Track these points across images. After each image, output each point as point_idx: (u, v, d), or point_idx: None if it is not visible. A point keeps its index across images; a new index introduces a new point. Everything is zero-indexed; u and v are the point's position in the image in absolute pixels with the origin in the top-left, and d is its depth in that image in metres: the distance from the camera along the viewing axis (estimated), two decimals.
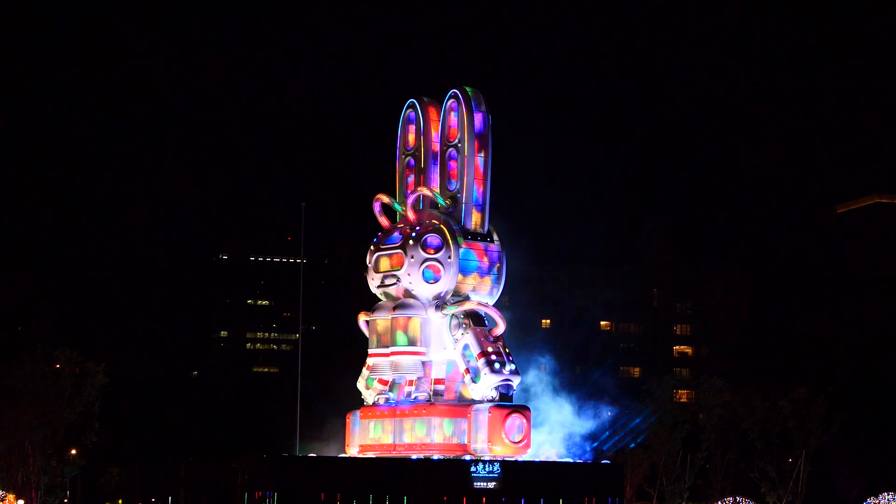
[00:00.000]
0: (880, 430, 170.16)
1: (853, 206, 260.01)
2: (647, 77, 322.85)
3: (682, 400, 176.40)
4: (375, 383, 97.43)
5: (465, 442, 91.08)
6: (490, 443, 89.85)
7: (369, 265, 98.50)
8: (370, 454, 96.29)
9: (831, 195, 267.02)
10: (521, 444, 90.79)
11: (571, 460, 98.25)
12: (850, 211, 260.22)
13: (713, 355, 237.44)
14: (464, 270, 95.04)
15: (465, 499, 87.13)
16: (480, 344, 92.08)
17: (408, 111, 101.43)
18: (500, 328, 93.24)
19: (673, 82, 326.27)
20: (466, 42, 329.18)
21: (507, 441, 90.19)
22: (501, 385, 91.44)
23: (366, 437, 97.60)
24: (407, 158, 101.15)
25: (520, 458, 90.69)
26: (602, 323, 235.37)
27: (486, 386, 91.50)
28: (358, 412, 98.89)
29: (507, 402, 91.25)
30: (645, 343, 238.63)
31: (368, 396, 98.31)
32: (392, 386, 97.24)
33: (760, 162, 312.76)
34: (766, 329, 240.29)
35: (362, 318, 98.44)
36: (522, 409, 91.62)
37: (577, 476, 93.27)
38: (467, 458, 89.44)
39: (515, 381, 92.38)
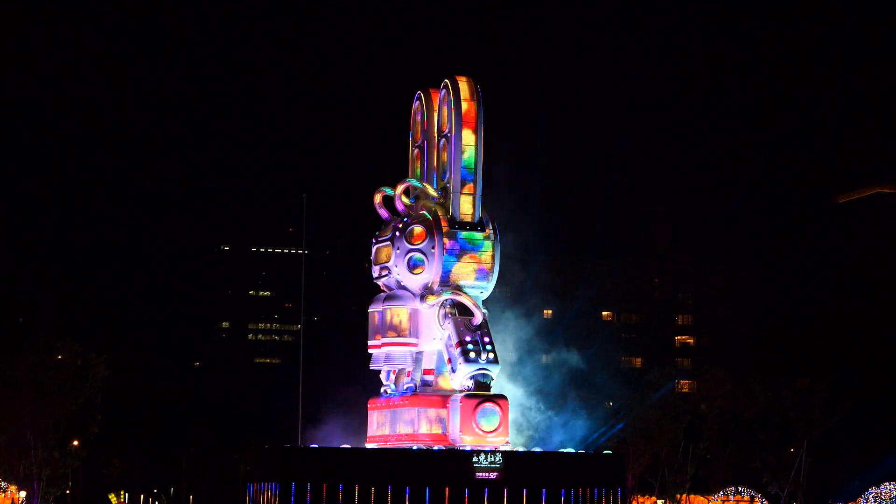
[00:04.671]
0: (882, 420, 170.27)
1: (855, 195, 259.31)
2: (649, 65, 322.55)
3: (684, 390, 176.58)
4: (391, 374, 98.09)
5: (446, 432, 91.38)
6: (462, 432, 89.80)
7: (371, 257, 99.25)
8: (372, 445, 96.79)
9: (833, 185, 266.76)
10: (493, 434, 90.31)
11: (573, 451, 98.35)
12: (851, 200, 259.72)
13: (715, 345, 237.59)
14: (451, 261, 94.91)
15: (467, 490, 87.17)
16: (459, 333, 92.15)
17: (416, 102, 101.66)
18: (478, 318, 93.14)
19: (675, 70, 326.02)
20: (473, 30, 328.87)
21: (477, 431, 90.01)
22: (477, 374, 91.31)
23: (371, 428, 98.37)
24: (415, 149, 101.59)
25: (504, 448, 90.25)
26: (604, 313, 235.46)
27: (461, 375, 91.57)
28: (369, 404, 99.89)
29: (482, 392, 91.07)
30: (646, 333, 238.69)
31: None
32: (398, 376, 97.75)
33: (762, 151, 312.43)
34: (767, 319, 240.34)
35: None
36: (496, 399, 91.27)
37: (579, 466, 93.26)
38: (468, 448, 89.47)
39: (494, 371, 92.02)
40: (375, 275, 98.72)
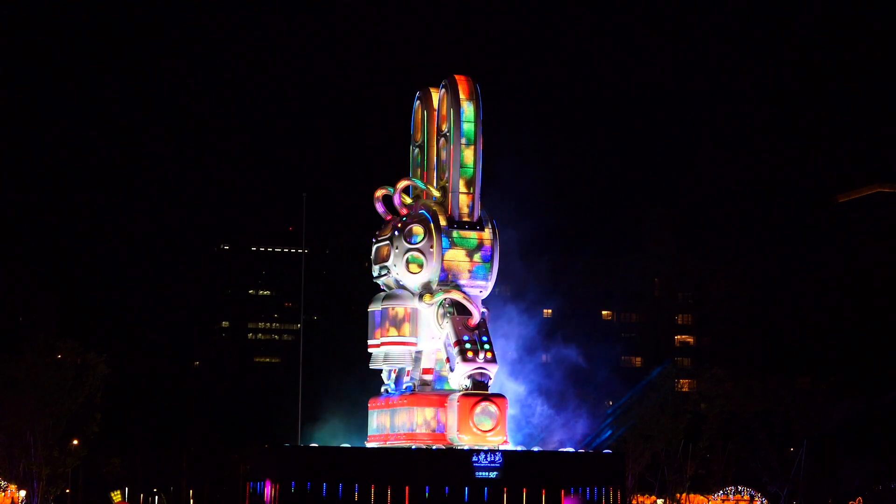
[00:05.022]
0: (881, 420, 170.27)
1: (854, 195, 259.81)
2: (649, 66, 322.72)
3: (684, 390, 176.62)
4: (392, 373, 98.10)
5: (444, 431, 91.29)
6: (459, 432, 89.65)
7: (371, 256, 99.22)
8: (374, 444, 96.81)
9: (832, 185, 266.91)
10: (491, 433, 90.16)
11: (573, 450, 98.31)
12: (851, 200, 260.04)
13: (715, 345, 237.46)
14: (449, 259, 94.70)
15: (466, 489, 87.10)
16: (457, 333, 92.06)
17: (416, 102, 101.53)
18: (475, 317, 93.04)
19: (675, 71, 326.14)
20: (476, 29, 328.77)
21: (475, 430, 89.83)
22: (475, 373, 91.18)
23: (372, 428, 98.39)
24: (416, 149, 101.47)
25: (503, 447, 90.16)
26: (604, 312, 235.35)
27: (459, 374, 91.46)
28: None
29: (480, 391, 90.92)
30: (646, 333, 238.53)
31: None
32: (398, 375, 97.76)
33: (762, 151, 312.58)
34: (767, 318, 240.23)
35: None
36: (494, 398, 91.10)
37: (578, 466, 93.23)
38: (467, 447, 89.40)
39: (492, 370, 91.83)
40: (375, 274, 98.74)
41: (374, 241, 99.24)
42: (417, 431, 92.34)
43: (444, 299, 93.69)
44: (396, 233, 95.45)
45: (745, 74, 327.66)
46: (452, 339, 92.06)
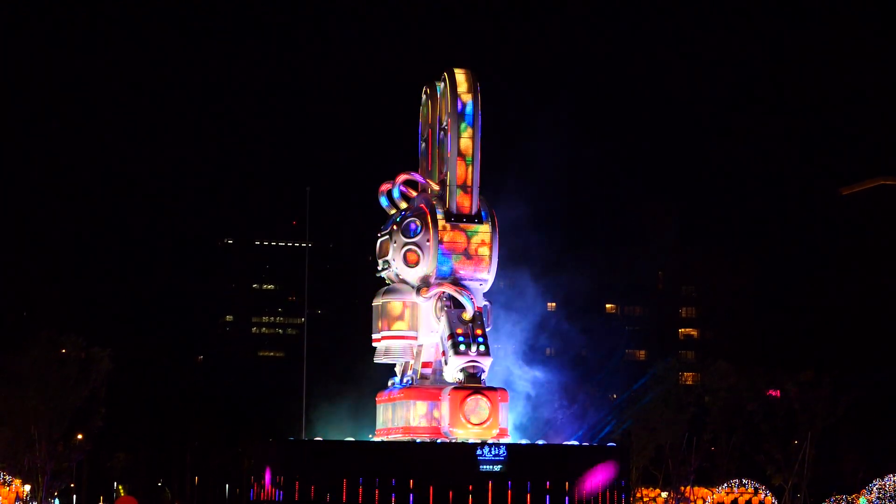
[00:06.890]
0: (885, 413, 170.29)
1: (858, 188, 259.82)
2: (653, 60, 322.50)
3: (688, 383, 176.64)
4: (402, 367, 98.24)
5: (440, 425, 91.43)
6: (451, 425, 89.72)
7: (376, 251, 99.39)
8: (380, 438, 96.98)
9: (836, 177, 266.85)
10: (483, 426, 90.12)
11: (577, 443, 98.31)
12: (855, 193, 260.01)
13: (719, 338, 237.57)
14: (446, 253, 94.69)
15: (471, 482, 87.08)
16: (451, 326, 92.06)
17: (423, 96, 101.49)
18: (469, 311, 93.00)
19: (678, 64, 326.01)
20: (481, 23, 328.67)
21: (466, 423, 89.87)
22: (467, 366, 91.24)
23: (378, 421, 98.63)
24: (422, 143, 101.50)
25: (501, 441, 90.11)
26: (608, 306, 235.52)
27: (453, 368, 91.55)
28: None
29: (473, 384, 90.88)
30: (651, 326, 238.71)
31: None
32: (404, 369, 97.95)
33: (765, 144, 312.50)
34: (771, 311, 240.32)
35: None
36: (486, 391, 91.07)
37: (582, 459, 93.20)
38: (469, 440, 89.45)
39: (486, 363, 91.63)
40: (379, 268, 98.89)
41: (378, 235, 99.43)
42: (414, 425, 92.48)
43: (441, 293, 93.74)
44: (395, 227, 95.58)
45: (750, 68, 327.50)
46: (447, 333, 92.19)
